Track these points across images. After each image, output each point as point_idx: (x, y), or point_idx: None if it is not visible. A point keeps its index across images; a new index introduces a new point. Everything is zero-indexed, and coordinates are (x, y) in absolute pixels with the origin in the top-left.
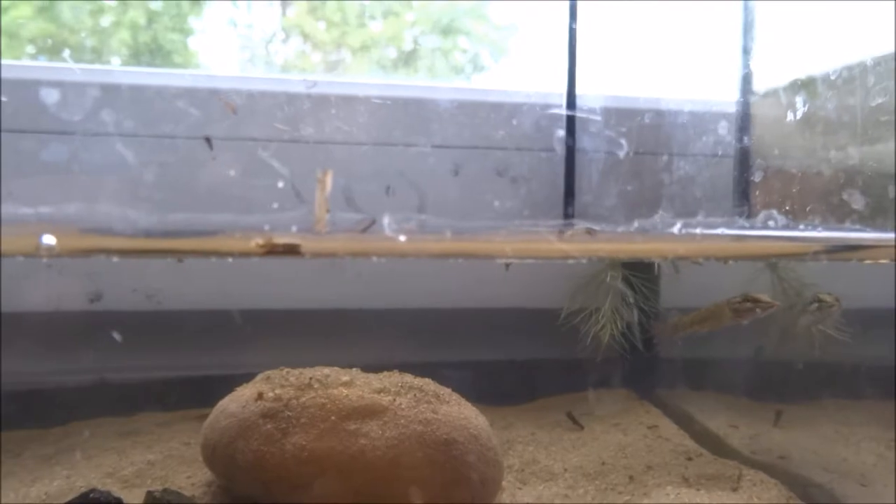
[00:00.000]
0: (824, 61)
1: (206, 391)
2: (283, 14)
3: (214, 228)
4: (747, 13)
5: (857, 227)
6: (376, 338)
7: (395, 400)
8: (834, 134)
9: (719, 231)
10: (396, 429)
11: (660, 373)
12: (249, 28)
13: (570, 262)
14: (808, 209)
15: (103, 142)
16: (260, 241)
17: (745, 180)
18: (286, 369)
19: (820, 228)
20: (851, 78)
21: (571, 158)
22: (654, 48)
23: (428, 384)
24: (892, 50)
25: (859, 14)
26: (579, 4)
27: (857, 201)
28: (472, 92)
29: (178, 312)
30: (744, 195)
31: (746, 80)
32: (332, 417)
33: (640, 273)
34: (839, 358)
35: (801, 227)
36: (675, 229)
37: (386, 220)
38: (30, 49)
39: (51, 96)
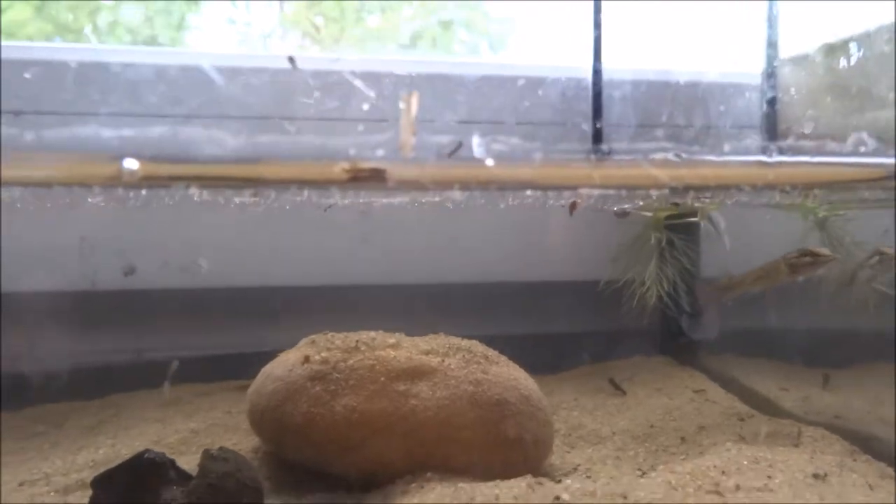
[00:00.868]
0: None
1: (242, 367)
2: (282, 10)
3: (300, 152)
4: None
5: None
6: (414, 312)
7: (443, 361)
8: (862, 98)
9: (803, 158)
10: (447, 389)
11: (702, 339)
12: (248, 26)
13: (626, 210)
14: None
15: None
16: (346, 165)
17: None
18: (330, 333)
19: None
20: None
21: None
22: (678, 18)
23: (475, 345)
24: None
25: None
26: None
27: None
28: (497, 67)
29: (211, 290)
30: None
31: (772, 46)
32: (382, 379)
33: (682, 234)
34: (886, 322)
35: None
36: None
37: (475, 141)
38: None
39: None
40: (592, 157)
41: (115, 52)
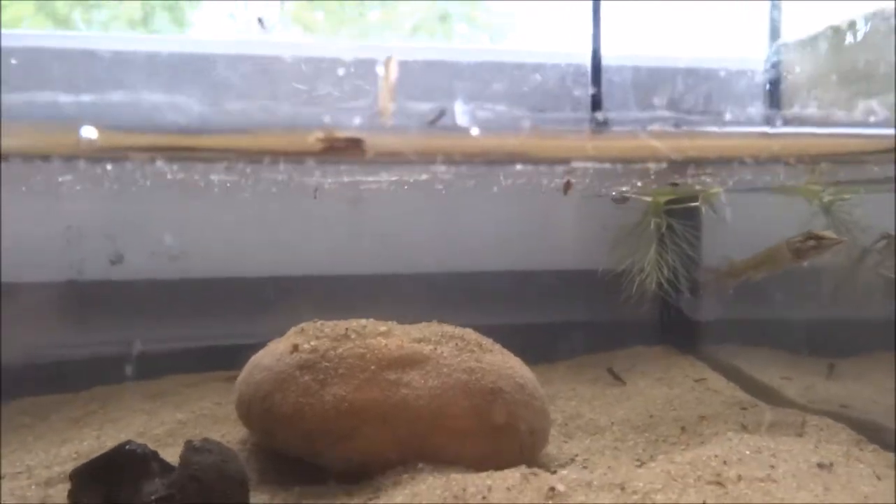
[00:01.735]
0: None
1: (230, 358)
2: (282, 9)
3: (273, 120)
4: None
5: None
6: (408, 302)
7: (436, 349)
8: (868, 80)
9: (807, 129)
10: (439, 378)
11: (703, 327)
12: (248, 23)
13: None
14: None
15: None
16: (320, 135)
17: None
18: (320, 321)
19: None
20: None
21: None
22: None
23: (469, 333)
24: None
25: None
26: None
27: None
28: (494, 53)
29: (201, 280)
30: None
31: (775, 31)
32: (372, 367)
33: (683, 220)
34: (888, 311)
35: None
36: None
37: (459, 108)
38: None
39: None
40: (588, 125)
41: (101, 38)
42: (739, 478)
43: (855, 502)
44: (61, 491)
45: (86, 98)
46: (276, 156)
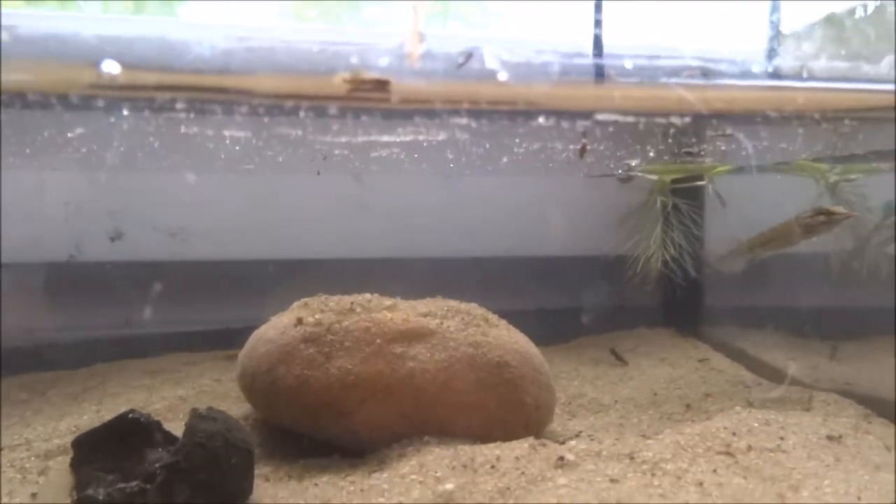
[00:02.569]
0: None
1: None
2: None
3: (296, 59)
4: None
5: None
6: (411, 286)
7: (442, 323)
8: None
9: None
10: (446, 351)
11: (706, 309)
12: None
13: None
14: None
15: None
16: (346, 76)
17: None
18: (324, 296)
19: None
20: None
21: None
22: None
23: (474, 308)
24: None
25: None
26: None
27: None
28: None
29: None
30: None
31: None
32: (378, 341)
33: (687, 200)
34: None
35: None
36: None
37: (487, 52)
38: None
39: None
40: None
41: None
42: (749, 448)
43: (866, 471)
44: (61, 463)
45: (106, 33)
46: (301, 99)
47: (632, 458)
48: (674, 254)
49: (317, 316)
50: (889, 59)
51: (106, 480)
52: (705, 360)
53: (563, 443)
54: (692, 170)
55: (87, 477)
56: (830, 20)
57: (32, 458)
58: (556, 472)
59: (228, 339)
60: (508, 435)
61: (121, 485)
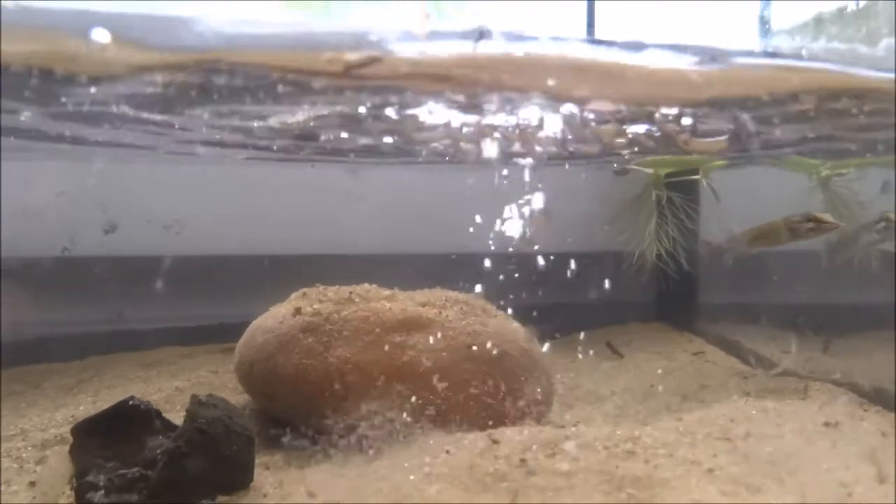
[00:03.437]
0: None
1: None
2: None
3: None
4: None
5: None
6: (405, 282)
7: (440, 313)
8: None
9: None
10: (444, 341)
11: (699, 304)
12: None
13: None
14: None
15: None
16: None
17: None
18: (322, 286)
19: None
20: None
21: None
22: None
23: (473, 298)
24: None
25: None
26: None
27: None
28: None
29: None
30: None
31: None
32: (377, 330)
33: (682, 193)
34: (884, 291)
35: None
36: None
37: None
38: None
39: None
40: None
41: None
42: (748, 434)
43: (863, 456)
44: (58, 452)
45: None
46: (307, 74)
47: (635, 443)
48: (668, 247)
49: (315, 306)
50: (885, 42)
51: (106, 467)
52: (700, 353)
53: (562, 427)
54: (687, 163)
55: (86, 464)
56: (819, 21)
57: (29, 448)
58: (556, 455)
59: (222, 335)
60: (507, 423)
61: (121, 471)
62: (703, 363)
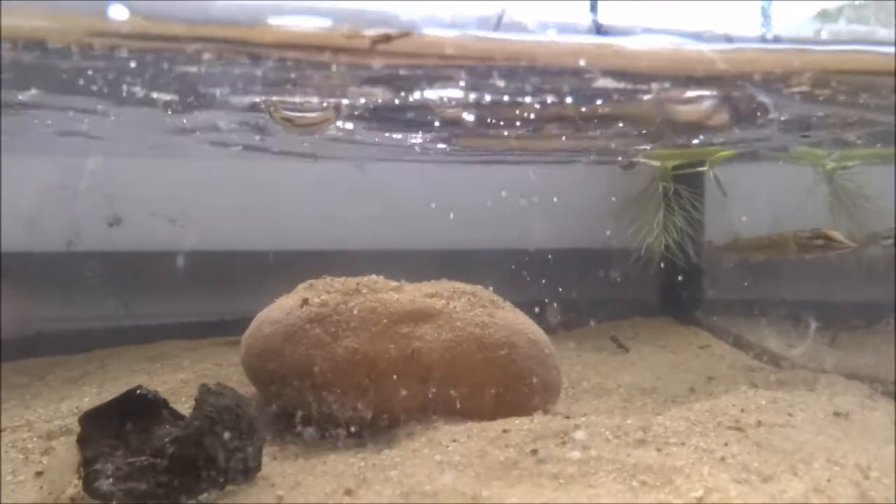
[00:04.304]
0: None
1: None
2: None
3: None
4: None
5: None
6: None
7: (448, 304)
8: None
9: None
10: (452, 332)
11: (705, 299)
12: None
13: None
14: None
15: None
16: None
17: None
18: (329, 277)
19: None
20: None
21: None
22: None
23: (480, 290)
24: None
25: None
26: None
27: None
28: None
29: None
30: None
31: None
32: (384, 321)
33: (687, 186)
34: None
35: None
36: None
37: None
38: None
39: None
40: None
41: None
42: (759, 423)
43: (875, 444)
44: (63, 443)
45: None
46: (325, 50)
47: (644, 431)
48: (676, 238)
49: (322, 297)
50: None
51: (114, 455)
52: (706, 347)
53: (569, 417)
54: (693, 156)
55: (94, 453)
56: (823, 15)
57: (34, 439)
58: (567, 444)
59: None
60: (515, 414)
61: (130, 459)
62: (710, 356)
